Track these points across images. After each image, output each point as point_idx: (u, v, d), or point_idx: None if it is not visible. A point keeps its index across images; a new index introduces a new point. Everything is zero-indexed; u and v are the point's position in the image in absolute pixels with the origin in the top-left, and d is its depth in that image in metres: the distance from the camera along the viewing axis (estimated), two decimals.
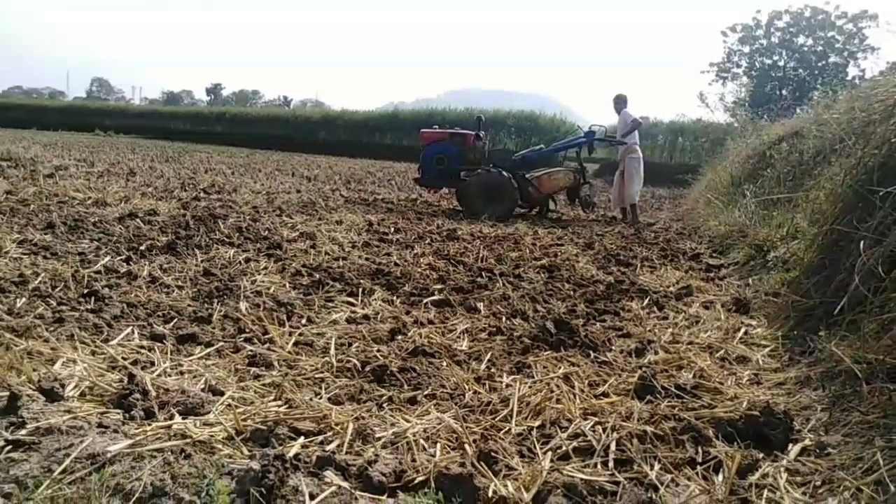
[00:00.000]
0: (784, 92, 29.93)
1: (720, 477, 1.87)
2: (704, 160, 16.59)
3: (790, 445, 2.06)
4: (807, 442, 2.07)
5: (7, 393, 2.03)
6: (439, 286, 4.24)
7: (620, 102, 9.67)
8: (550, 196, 9.37)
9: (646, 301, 4.07)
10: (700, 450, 2.02)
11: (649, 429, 2.13)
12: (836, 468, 1.89)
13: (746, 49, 31.91)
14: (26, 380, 2.24)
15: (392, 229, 6.75)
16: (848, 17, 29.16)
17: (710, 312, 3.83)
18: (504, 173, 8.91)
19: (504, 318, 3.59)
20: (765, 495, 1.77)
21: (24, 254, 4.28)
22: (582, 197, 9.30)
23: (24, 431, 1.85)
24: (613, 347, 3.15)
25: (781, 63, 31.09)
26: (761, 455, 1.99)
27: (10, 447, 1.77)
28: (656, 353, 3.04)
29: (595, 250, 6.06)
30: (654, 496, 1.73)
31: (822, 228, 3.58)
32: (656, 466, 1.92)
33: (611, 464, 1.94)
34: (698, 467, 1.93)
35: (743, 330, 3.39)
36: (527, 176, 9.17)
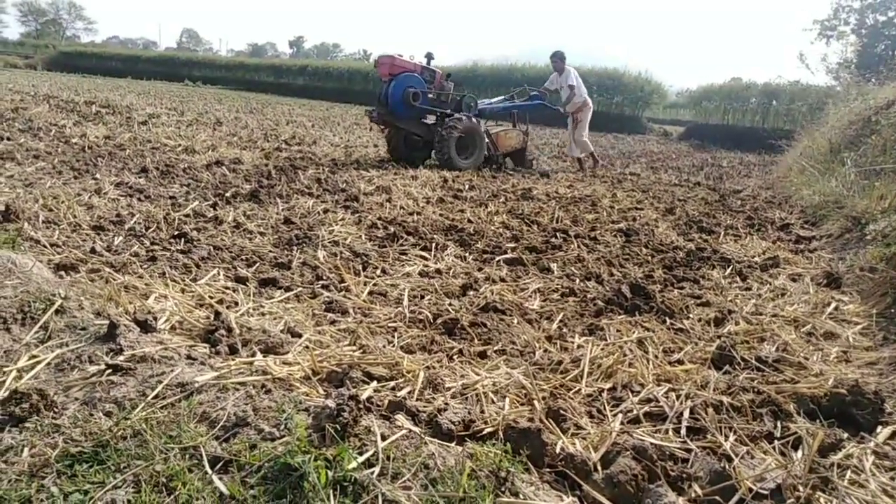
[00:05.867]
0: None
1: (799, 454, 1.80)
2: (800, 125, 15.55)
3: (879, 428, 1.95)
4: None
5: (107, 322, 2.18)
6: (512, 245, 4.21)
7: (560, 60, 9.41)
8: (504, 154, 8.86)
9: (728, 270, 3.91)
10: (779, 424, 1.95)
11: (725, 399, 2.06)
12: None
13: (857, 4, 29.18)
14: (123, 311, 2.41)
15: (466, 186, 6.73)
16: None
17: (797, 285, 3.64)
18: (479, 123, 8.43)
19: (578, 280, 3.53)
20: (847, 476, 1.69)
21: (121, 195, 4.55)
22: (527, 160, 9.19)
23: (121, 358, 1.99)
24: (691, 315, 3.05)
25: None
26: (846, 435, 1.90)
27: (109, 371, 1.92)
28: (737, 323, 2.93)
29: (676, 216, 5.84)
30: (727, 466, 1.68)
31: None
32: (731, 437, 1.87)
33: (683, 431, 1.90)
34: (776, 442, 1.86)
35: (833, 305, 3.20)
36: (488, 130, 8.74)
